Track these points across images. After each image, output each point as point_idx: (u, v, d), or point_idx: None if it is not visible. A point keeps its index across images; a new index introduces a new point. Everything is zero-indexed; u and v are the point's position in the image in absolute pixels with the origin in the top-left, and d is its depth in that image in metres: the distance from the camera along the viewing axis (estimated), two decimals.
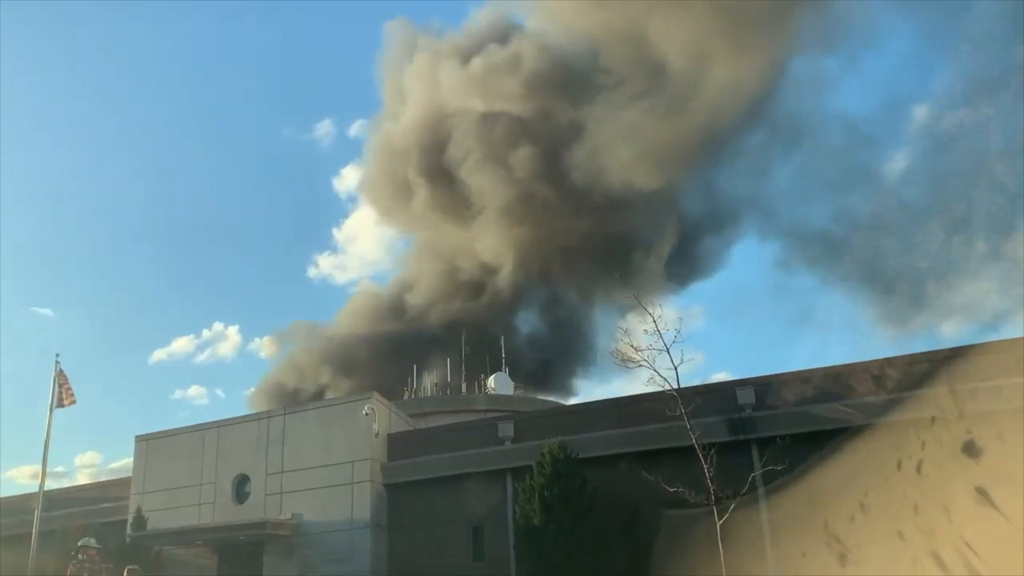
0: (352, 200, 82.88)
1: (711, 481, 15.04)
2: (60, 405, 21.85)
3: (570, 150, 38.94)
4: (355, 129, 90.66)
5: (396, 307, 45.78)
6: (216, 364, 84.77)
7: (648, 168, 38.05)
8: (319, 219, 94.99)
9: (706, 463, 14.97)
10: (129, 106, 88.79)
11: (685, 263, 44.27)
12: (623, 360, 14.56)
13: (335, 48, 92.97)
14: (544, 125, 40.53)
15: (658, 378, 14.90)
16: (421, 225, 48.29)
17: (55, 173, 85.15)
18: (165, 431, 29.40)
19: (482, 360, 38.76)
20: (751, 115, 39.71)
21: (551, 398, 40.57)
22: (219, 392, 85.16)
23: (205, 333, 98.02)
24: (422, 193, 44.62)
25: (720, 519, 14.95)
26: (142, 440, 29.48)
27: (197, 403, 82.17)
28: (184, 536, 26.10)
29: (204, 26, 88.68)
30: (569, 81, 40.84)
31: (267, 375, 49.13)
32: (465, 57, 43.64)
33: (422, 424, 30.11)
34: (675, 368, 14.65)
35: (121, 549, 26.41)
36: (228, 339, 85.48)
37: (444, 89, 43.51)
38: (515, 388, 37.70)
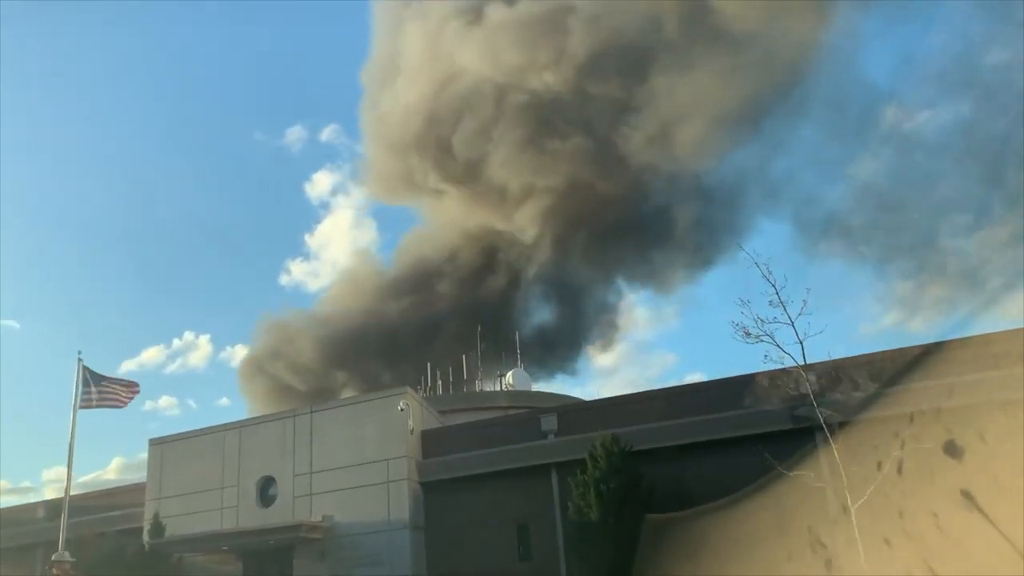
0: (324, 206, 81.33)
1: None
2: (91, 405, 20.50)
3: (618, 128, 37.45)
4: (327, 134, 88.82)
5: (397, 290, 43.73)
6: (187, 374, 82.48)
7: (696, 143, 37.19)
8: (291, 225, 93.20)
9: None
10: (97, 112, 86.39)
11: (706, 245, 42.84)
12: (744, 334, 13.65)
13: (307, 53, 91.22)
14: (579, 99, 38.51)
15: (774, 355, 13.88)
16: (428, 205, 46.27)
17: (19, 181, 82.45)
18: (181, 434, 28.12)
19: (494, 349, 37.81)
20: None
21: (557, 383, 40.06)
22: (191, 403, 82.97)
23: (175, 343, 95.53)
24: (431, 173, 42.84)
25: (854, 503, 14.06)
26: (156, 444, 28.16)
27: (168, 414, 79.98)
28: (208, 542, 24.88)
29: (173, 31, 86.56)
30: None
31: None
32: (472, 18, 41.57)
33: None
34: (800, 343, 13.69)
35: (137, 557, 25.19)
36: (199, 348, 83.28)
37: (453, 54, 41.30)
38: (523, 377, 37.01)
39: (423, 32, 42.73)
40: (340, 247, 76.27)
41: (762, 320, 13.40)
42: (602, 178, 38.82)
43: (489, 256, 42.37)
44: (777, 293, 13.31)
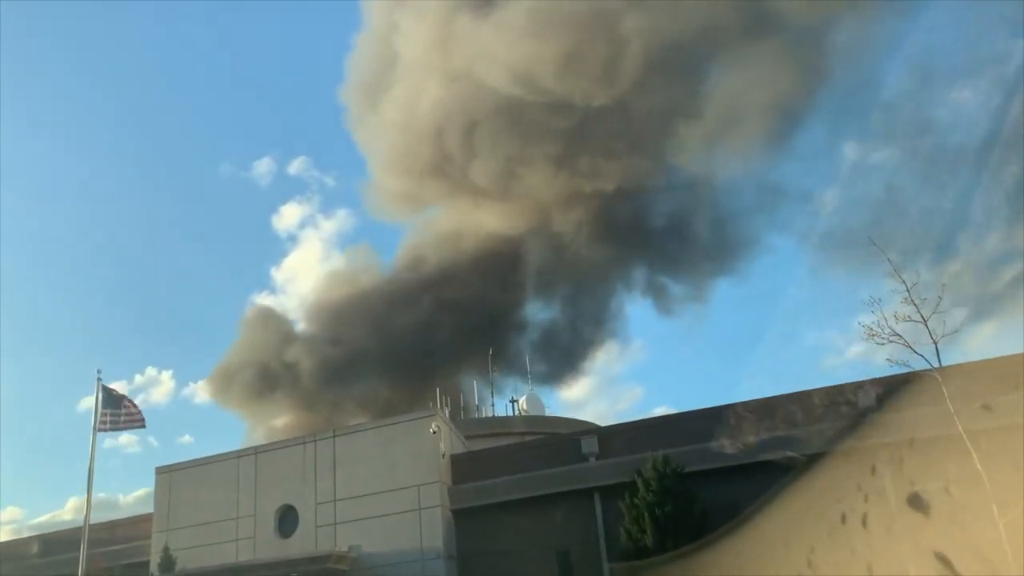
0: (292, 239, 79.45)
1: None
2: (109, 428, 19.23)
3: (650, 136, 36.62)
4: (296, 167, 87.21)
5: (395, 305, 41.14)
6: (148, 411, 79.02)
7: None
8: (257, 258, 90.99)
9: None
10: (58, 142, 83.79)
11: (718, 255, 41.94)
12: (870, 335, 12.91)
13: (276, 84, 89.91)
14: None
15: (896, 357, 13.03)
16: (431, 217, 44.58)
17: None
18: (191, 461, 26.69)
19: (503, 370, 36.77)
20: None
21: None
22: (152, 440, 79.93)
23: (137, 379, 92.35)
24: (437, 183, 41.38)
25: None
26: (164, 472, 26.67)
27: (128, 451, 76.86)
28: (224, 575, 23.38)
29: (140, 60, 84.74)
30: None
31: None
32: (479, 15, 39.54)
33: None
34: (935, 343, 12.80)
35: None
36: (162, 384, 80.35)
37: (461, 55, 39.52)
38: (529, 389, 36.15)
39: (426, 33, 41.41)
40: (306, 281, 74.60)
41: (893, 318, 12.56)
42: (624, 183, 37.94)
43: (495, 268, 40.84)
44: (908, 290, 12.59)
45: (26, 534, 37.98)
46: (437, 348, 39.34)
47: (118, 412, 19.30)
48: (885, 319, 12.47)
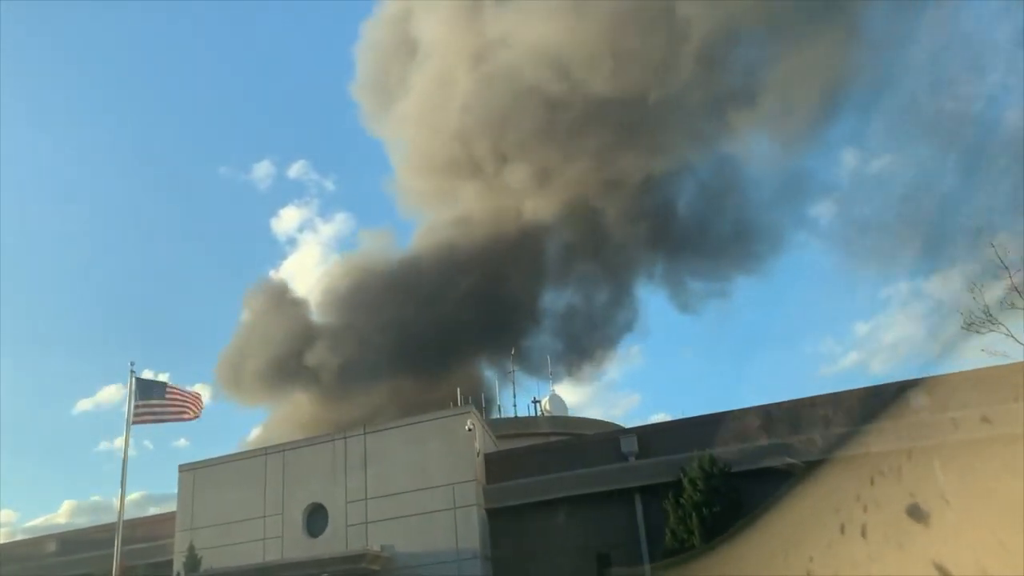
0: (291, 242, 78.76)
1: None
2: (148, 420, 18.66)
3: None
4: (296, 170, 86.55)
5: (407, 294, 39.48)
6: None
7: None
8: (256, 261, 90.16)
9: None
10: (59, 139, 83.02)
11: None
12: (967, 325, 12.47)
13: (275, 87, 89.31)
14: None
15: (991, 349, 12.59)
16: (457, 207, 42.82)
17: None
18: (216, 458, 26.12)
19: (520, 365, 36.05)
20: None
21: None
22: (147, 443, 79.30)
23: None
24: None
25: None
26: (187, 470, 26.11)
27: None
28: (253, 575, 22.81)
29: (135, 63, 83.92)
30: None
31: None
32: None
33: None
34: None
35: None
36: None
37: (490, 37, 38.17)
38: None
39: (448, 18, 40.33)
40: (304, 284, 73.60)
41: (993, 305, 12.14)
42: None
43: (515, 259, 39.76)
44: (1011, 276, 12.17)
45: (20, 536, 37.33)
46: (453, 340, 38.27)
47: (162, 403, 18.71)
48: (987, 306, 11.99)
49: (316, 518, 23.95)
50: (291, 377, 38.54)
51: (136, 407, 18.93)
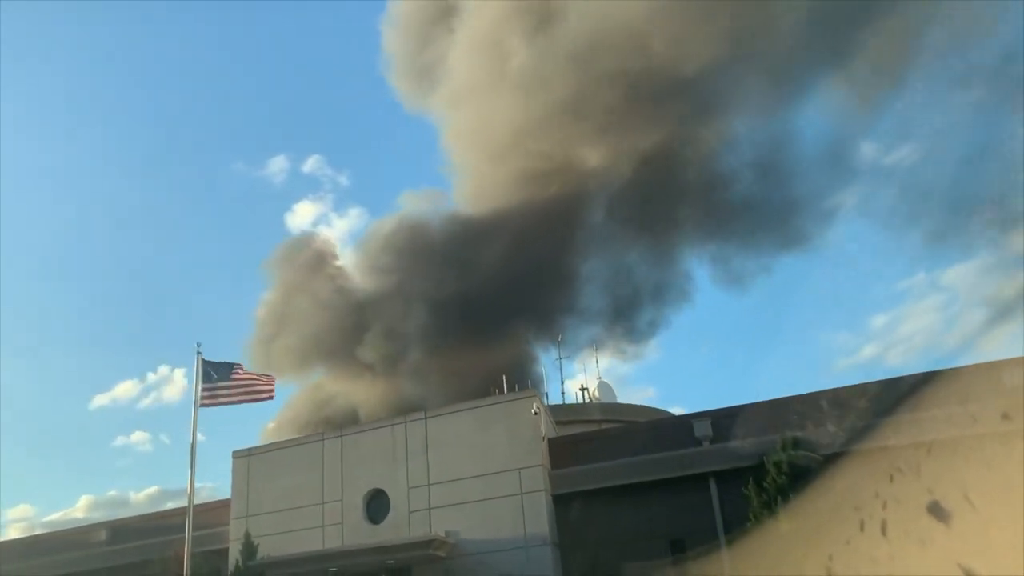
0: (307, 236, 78.07)
1: None
2: (218, 402, 18.18)
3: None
4: (310, 165, 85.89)
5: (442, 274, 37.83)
6: (161, 409, 78.62)
7: None
8: (270, 256, 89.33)
9: None
10: (69, 139, 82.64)
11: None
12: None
13: (289, 82, 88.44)
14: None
15: None
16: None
17: None
18: (271, 444, 25.84)
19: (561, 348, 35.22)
20: None
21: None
22: (164, 438, 79.07)
23: (150, 376, 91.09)
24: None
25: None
26: (241, 456, 25.71)
27: (140, 449, 75.77)
28: (315, 562, 22.34)
29: (149, 58, 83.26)
30: None
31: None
32: None
33: None
34: None
35: None
36: (174, 383, 79.20)
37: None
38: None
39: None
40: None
41: None
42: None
43: (560, 231, 38.70)
44: None
45: (38, 531, 36.99)
46: (498, 313, 37.20)
47: (228, 384, 18.22)
48: None
49: (377, 504, 23.48)
50: (334, 353, 37.59)
51: (203, 390, 18.46)
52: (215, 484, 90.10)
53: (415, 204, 43.42)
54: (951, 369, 20.68)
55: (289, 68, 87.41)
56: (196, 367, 18.65)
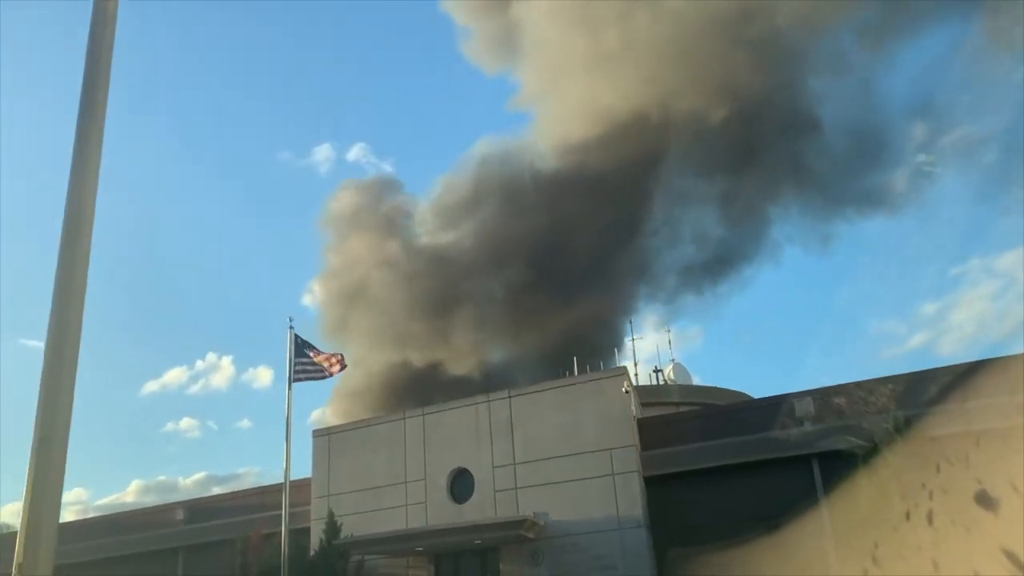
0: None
1: None
2: (303, 378, 17.96)
3: None
4: (354, 153, 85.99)
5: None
6: (208, 395, 79.77)
7: None
8: (315, 245, 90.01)
9: None
10: (115, 130, 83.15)
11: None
12: None
13: (336, 71, 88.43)
14: None
15: None
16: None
17: (35, 199, 79.97)
18: (351, 423, 25.59)
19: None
20: None
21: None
22: (211, 424, 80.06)
23: (199, 364, 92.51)
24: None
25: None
26: (321, 435, 25.55)
27: (188, 436, 77.09)
28: (401, 542, 22.10)
29: (195, 48, 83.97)
30: None
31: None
32: None
33: None
34: None
35: (303, 558, 22.40)
36: (221, 370, 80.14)
37: None
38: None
39: None
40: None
41: None
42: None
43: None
44: None
45: (91, 515, 37.44)
46: (577, 280, 36.77)
47: (304, 362, 18.04)
48: None
49: (461, 483, 23.09)
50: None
51: (295, 364, 18.25)
52: (259, 469, 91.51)
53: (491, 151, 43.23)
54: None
55: (334, 57, 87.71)
56: (289, 342, 18.42)
